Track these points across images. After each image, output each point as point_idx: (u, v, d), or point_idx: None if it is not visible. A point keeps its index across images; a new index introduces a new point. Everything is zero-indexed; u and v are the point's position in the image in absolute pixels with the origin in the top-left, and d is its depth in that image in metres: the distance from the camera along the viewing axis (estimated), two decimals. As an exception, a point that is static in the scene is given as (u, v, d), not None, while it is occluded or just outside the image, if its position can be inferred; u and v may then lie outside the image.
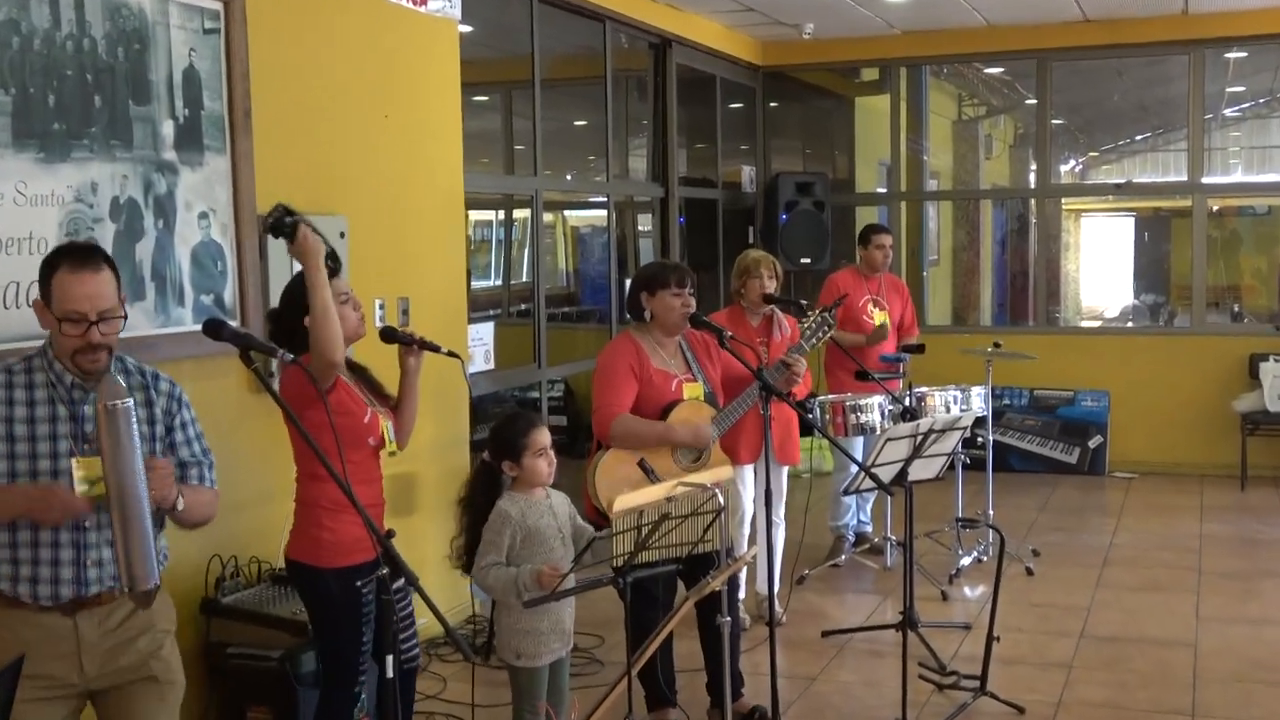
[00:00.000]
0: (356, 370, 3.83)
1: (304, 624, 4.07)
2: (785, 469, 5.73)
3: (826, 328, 4.99)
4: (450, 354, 3.92)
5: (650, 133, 8.75)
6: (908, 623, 4.76)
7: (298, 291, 3.65)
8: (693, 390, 4.57)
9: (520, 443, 3.81)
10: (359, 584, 3.52)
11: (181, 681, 3.07)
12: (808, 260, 9.34)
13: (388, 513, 3.82)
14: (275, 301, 3.87)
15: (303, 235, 3.52)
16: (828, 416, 5.92)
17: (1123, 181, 14.21)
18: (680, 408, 4.50)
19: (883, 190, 10.90)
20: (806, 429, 5.92)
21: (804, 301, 5.54)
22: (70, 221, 3.85)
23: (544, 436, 3.84)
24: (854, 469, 4.42)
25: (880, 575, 6.67)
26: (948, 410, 6.23)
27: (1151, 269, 15.60)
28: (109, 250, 3.90)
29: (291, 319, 3.62)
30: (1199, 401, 9.21)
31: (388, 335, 3.92)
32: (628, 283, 7.63)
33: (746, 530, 5.62)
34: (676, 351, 4.64)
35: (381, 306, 5.23)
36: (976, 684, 4.85)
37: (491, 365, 6.36)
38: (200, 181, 4.32)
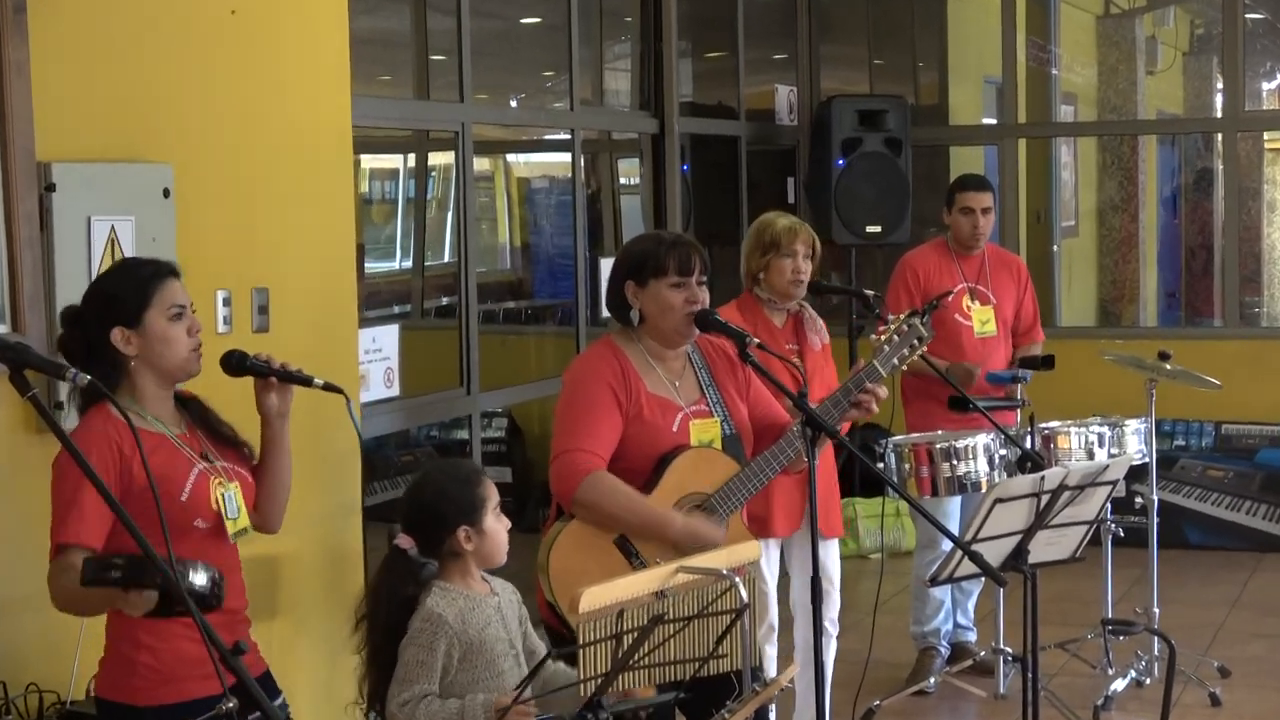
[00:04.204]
0: (189, 409, 3.82)
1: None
2: (834, 544, 5.75)
3: (916, 341, 4.80)
4: (329, 387, 3.87)
5: (637, 36, 8.78)
6: (1030, 779, 4.77)
7: (113, 286, 3.65)
8: (706, 430, 4.54)
9: (477, 495, 3.86)
10: None
11: None
12: (877, 229, 9.36)
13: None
14: (68, 296, 3.87)
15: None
16: (907, 466, 5.94)
17: (1355, 107, 14.28)
18: (683, 460, 4.46)
19: (991, 122, 10.95)
20: (849, 486, 5.90)
21: (872, 293, 5.55)
22: None
23: (495, 489, 3.93)
24: (947, 546, 4.44)
25: (990, 707, 6.68)
26: (1089, 456, 6.26)
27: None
28: None
29: (99, 326, 3.61)
30: None
31: (233, 363, 3.84)
32: (605, 265, 7.66)
33: (774, 640, 5.63)
34: (685, 369, 4.62)
35: (226, 304, 5.23)
36: None
37: (395, 390, 6.36)
38: (-50, 113, 4.33)
